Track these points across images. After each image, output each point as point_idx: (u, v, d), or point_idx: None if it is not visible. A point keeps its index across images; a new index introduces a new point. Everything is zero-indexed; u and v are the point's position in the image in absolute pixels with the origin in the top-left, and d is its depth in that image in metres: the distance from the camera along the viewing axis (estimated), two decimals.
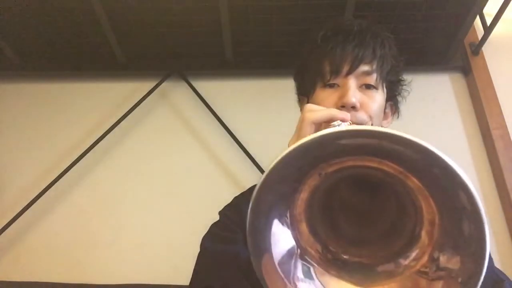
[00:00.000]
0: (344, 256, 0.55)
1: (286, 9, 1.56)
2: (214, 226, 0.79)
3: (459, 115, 1.70)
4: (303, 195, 0.52)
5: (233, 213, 0.79)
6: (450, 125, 1.68)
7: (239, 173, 1.64)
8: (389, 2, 1.53)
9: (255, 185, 0.91)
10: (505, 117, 1.62)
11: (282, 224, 0.51)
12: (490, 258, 0.67)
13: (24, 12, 1.61)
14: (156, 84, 1.75)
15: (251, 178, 1.59)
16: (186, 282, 0.73)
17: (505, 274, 0.67)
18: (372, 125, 0.75)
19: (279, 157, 0.43)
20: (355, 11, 1.52)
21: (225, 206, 0.82)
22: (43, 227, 1.58)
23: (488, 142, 1.62)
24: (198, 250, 0.76)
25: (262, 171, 1.57)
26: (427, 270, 0.48)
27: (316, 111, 0.62)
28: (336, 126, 0.60)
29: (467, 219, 0.43)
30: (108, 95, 1.80)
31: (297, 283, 0.50)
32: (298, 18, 1.59)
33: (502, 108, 1.64)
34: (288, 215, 0.52)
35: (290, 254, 0.52)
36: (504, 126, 1.61)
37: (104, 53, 1.75)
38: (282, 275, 0.49)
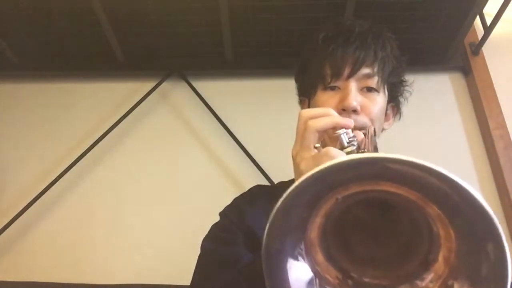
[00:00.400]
0: (364, 279, 0.54)
1: (286, 9, 1.56)
2: (215, 227, 0.79)
3: (459, 115, 1.70)
4: (318, 220, 0.51)
5: (234, 214, 0.78)
6: (450, 125, 1.68)
7: (239, 173, 1.64)
8: (389, 2, 1.53)
9: (255, 186, 0.92)
10: (505, 117, 1.62)
11: (297, 252, 0.50)
12: None
13: (24, 12, 1.61)
14: (156, 84, 1.75)
15: (251, 178, 1.59)
16: (186, 282, 0.73)
17: None
18: (374, 129, 0.75)
19: (298, 182, 0.42)
20: (355, 11, 1.51)
21: (226, 207, 0.82)
22: (43, 227, 1.58)
23: (488, 142, 1.62)
24: (198, 250, 0.76)
25: (262, 171, 1.57)
26: None
27: (318, 119, 0.61)
28: (341, 134, 0.59)
29: (487, 260, 0.42)
30: (108, 95, 1.80)
31: None
32: (298, 18, 1.58)
33: (502, 108, 1.64)
34: (302, 241, 0.51)
35: (309, 284, 0.50)
36: (504, 126, 1.61)
37: (104, 53, 1.75)
38: None
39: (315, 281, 0.51)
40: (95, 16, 1.57)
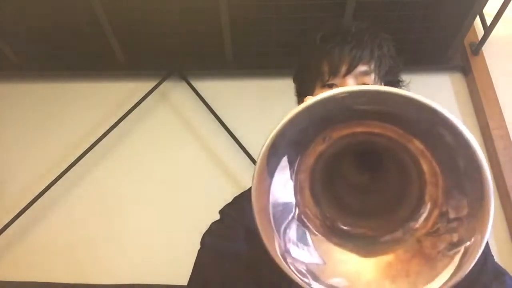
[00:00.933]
0: (343, 227, 0.55)
1: (286, 9, 1.56)
2: (215, 224, 0.79)
3: (459, 115, 1.70)
4: (309, 161, 0.53)
5: (234, 212, 0.79)
6: None
7: (239, 173, 1.64)
8: (389, 2, 1.53)
9: None
10: (505, 117, 1.62)
11: (286, 182, 0.51)
12: (491, 254, 0.68)
13: (24, 12, 1.61)
14: (156, 84, 1.75)
15: (251, 178, 1.58)
16: (186, 282, 0.73)
17: (505, 269, 0.68)
18: None
19: (287, 117, 0.43)
20: (355, 11, 1.52)
21: (225, 205, 0.83)
22: (43, 227, 1.58)
23: (488, 142, 1.62)
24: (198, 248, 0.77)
25: None
26: (438, 226, 0.49)
27: None
28: None
29: (462, 157, 0.43)
30: (108, 95, 1.80)
31: (287, 243, 0.49)
32: (298, 18, 1.59)
33: (502, 108, 1.64)
34: (293, 177, 0.52)
35: (287, 210, 0.51)
36: (504, 126, 1.61)
37: (104, 53, 1.75)
38: (272, 222, 0.48)
39: (295, 210, 0.52)
40: (95, 16, 1.57)
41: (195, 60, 1.79)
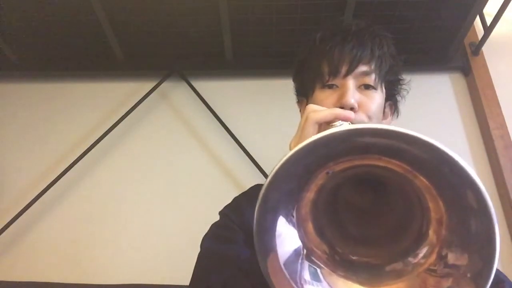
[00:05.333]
0: (352, 257, 0.54)
1: (286, 9, 1.56)
2: (215, 226, 0.79)
3: (459, 115, 1.70)
4: (310, 195, 0.52)
5: (234, 213, 0.79)
6: (450, 125, 1.68)
7: (239, 173, 1.63)
8: (389, 2, 1.53)
9: (255, 185, 0.92)
10: (505, 117, 1.62)
11: (288, 223, 0.50)
12: None
13: (24, 12, 1.61)
14: (156, 84, 1.75)
15: (251, 178, 1.59)
16: (186, 282, 0.73)
17: (504, 274, 0.67)
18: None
19: (288, 155, 0.43)
20: (355, 11, 1.51)
21: (225, 206, 0.83)
22: (43, 227, 1.58)
23: (488, 142, 1.62)
24: (198, 250, 0.76)
25: (262, 171, 1.57)
26: (435, 268, 0.48)
27: (319, 111, 0.62)
28: (337, 126, 0.60)
29: (475, 217, 0.43)
30: (108, 95, 1.80)
31: (304, 285, 0.49)
32: (298, 18, 1.59)
33: (502, 108, 1.64)
34: (294, 214, 0.51)
35: (296, 254, 0.51)
36: (504, 126, 1.61)
37: (104, 53, 1.75)
38: (288, 277, 0.48)
39: (302, 251, 0.52)
40: (95, 16, 1.57)
41: (195, 60, 1.79)
